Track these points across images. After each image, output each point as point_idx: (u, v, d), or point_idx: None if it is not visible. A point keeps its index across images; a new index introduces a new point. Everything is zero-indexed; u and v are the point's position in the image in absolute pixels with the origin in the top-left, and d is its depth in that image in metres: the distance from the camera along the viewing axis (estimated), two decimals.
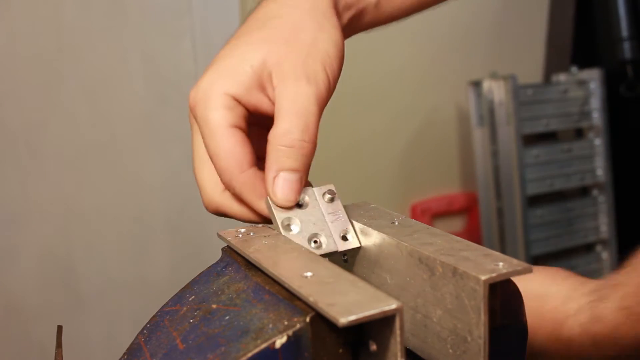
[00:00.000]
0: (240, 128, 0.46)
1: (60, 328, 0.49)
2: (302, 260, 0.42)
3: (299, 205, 0.46)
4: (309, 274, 0.39)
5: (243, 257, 0.45)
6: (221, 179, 0.47)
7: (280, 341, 0.35)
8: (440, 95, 1.73)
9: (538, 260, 1.63)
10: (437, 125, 1.74)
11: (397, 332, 0.34)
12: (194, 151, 0.50)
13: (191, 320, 0.41)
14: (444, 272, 0.38)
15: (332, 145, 1.56)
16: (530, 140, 1.64)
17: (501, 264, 0.37)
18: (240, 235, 0.48)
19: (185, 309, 0.43)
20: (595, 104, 1.67)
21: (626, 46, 1.64)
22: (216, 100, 0.45)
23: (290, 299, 0.38)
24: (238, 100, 0.46)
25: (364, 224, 0.47)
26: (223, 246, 0.49)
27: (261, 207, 0.46)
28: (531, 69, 1.80)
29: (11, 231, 1.28)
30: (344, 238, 0.45)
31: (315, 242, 0.45)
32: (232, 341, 0.37)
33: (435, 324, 0.40)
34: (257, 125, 0.49)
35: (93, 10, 1.31)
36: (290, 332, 0.36)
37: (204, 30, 1.40)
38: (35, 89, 1.28)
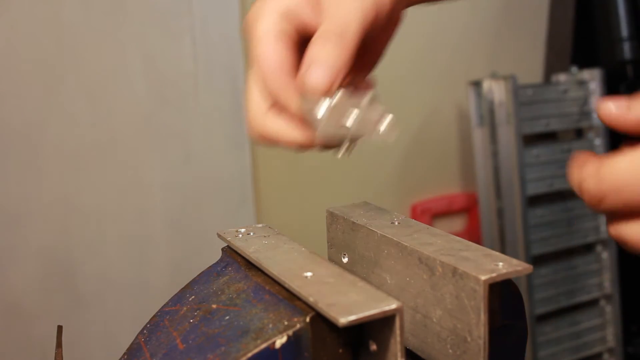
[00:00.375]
0: (288, 37, 0.46)
1: (60, 328, 0.49)
2: (302, 260, 0.42)
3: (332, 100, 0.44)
4: (309, 274, 0.39)
5: (243, 257, 0.45)
6: (264, 85, 0.46)
7: (280, 341, 0.35)
8: (440, 95, 1.73)
9: (538, 260, 1.63)
10: (437, 125, 1.74)
11: (397, 332, 0.34)
12: (247, 79, 0.49)
13: (191, 320, 0.41)
14: (444, 272, 0.38)
15: None
16: (530, 140, 1.64)
17: (501, 264, 0.37)
18: (240, 235, 0.48)
19: (185, 309, 0.43)
20: (595, 104, 1.68)
21: (626, 46, 1.64)
22: (267, 15, 0.45)
23: (290, 299, 0.38)
24: (289, 17, 0.46)
25: (364, 224, 0.47)
26: (223, 246, 0.49)
27: (298, 107, 0.45)
28: (531, 69, 1.80)
29: (11, 231, 1.28)
30: (378, 124, 0.44)
31: (343, 124, 0.43)
32: (232, 341, 0.37)
33: (435, 324, 0.40)
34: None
35: (93, 10, 1.30)
36: (290, 332, 0.36)
37: (204, 30, 1.40)
38: (35, 89, 1.28)
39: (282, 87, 0.45)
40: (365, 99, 0.44)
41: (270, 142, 0.47)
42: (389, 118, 0.44)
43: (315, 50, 0.44)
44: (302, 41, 0.47)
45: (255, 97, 0.47)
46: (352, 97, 0.44)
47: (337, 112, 0.43)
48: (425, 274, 0.40)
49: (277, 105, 0.46)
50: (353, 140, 0.44)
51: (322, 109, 0.43)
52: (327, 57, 0.43)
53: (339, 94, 0.43)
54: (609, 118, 0.38)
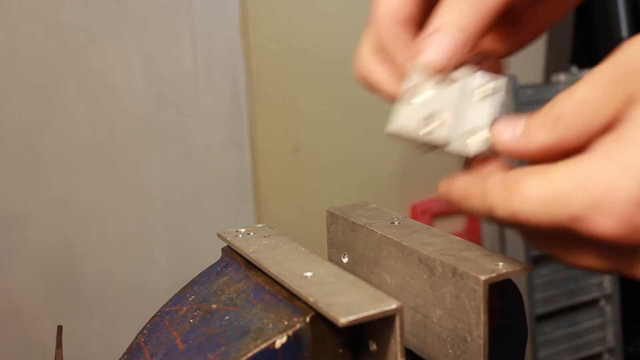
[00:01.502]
0: None
1: (60, 328, 0.49)
2: (302, 260, 0.42)
3: (445, 86, 0.37)
4: (309, 274, 0.39)
5: (243, 257, 0.45)
6: (374, 19, 0.40)
7: (280, 341, 0.35)
8: None
9: (538, 260, 1.63)
10: None
11: (397, 332, 0.34)
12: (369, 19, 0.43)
13: (191, 320, 0.41)
14: (444, 272, 0.38)
15: (332, 145, 1.56)
16: None
17: (501, 264, 0.37)
18: (240, 235, 0.48)
19: (185, 309, 0.43)
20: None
21: None
22: None
23: (290, 299, 0.38)
24: None
25: (364, 224, 0.47)
26: (223, 246, 0.49)
27: (404, 66, 0.39)
28: (531, 69, 1.80)
29: (11, 231, 1.28)
30: (470, 134, 0.36)
31: (427, 125, 0.36)
32: (232, 341, 0.37)
33: (435, 324, 0.40)
34: None
35: (93, 10, 1.31)
36: (290, 332, 0.36)
37: (204, 30, 1.40)
38: (35, 89, 1.28)
39: (392, 37, 0.40)
40: (479, 89, 0.37)
41: (371, 87, 0.42)
42: (484, 131, 0.36)
43: (443, 11, 0.37)
44: None
45: (369, 38, 0.42)
46: (469, 81, 0.37)
47: (433, 104, 0.37)
48: (425, 274, 0.40)
49: (385, 53, 0.41)
50: (432, 146, 0.37)
51: (421, 96, 0.37)
52: (461, 23, 0.36)
53: (458, 73, 0.37)
54: (504, 147, 0.35)
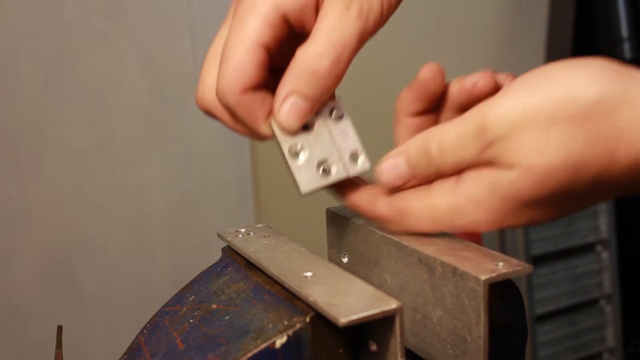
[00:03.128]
0: (268, 50, 0.42)
1: (60, 328, 0.49)
2: (302, 260, 0.42)
3: (305, 127, 0.43)
4: (309, 274, 0.39)
5: (243, 257, 0.45)
6: (218, 87, 0.43)
7: (280, 341, 0.35)
8: None
9: (538, 260, 1.63)
10: None
11: (397, 332, 0.34)
12: (214, 42, 0.47)
13: (191, 320, 0.41)
14: (444, 272, 0.38)
15: None
16: None
17: (501, 264, 0.37)
18: (240, 235, 0.48)
19: (185, 309, 0.43)
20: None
21: (626, 46, 1.64)
22: (264, 9, 0.41)
23: (290, 299, 0.38)
24: (286, 18, 0.42)
25: (364, 223, 0.47)
26: (223, 246, 0.49)
27: (259, 128, 0.43)
28: (531, 69, 1.80)
29: (11, 231, 1.28)
30: (354, 159, 0.44)
31: (324, 170, 0.43)
32: (232, 341, 0.37)
33: (435, 324, 0.40)
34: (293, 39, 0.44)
35: (93, 11, 1.31)
36: (290, 332, 0.36)
37: (204, 30, 1.40)
38: (35, 89, 1.28)
39: (236, 104, 0.42)
40: (335, 124, 0.44)
41: (216, 119, 0.46)
42: (361, 153, 0.45)
43: (300, 82, 0.41)
44: (290, 33, 0.43)
45: (214, 72, 0.45)
46: (323, 119, 0.43)
47: (315, 152, 0.43)
48: (425, 274, 0.40)
49: (234, 116, 0.44)
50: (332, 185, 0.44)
51: (300, 146, 0.43)
52: (310, 94, 0.41)
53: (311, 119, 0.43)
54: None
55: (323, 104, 0.43)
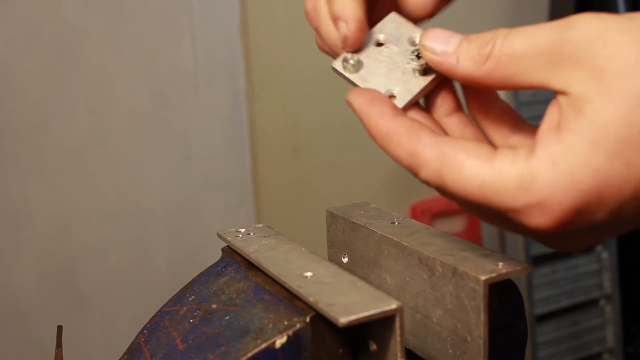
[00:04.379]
0: None
1: (60, 328, 0.49)
2: (302, 260, 0.42)
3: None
4: (309, 274, 0.39)
5: (243, 257, 0.45)
6: None
7: (280, 341, 0.35)
8: None
9: (538, 260, 1.63)
10: None
11: (397, 332, 0.34)
12: None
13: (191, 320, 0.41)
14: (443, 272, 0.38)
15: (332, 145, 1.56)
16: None
17: (501, 264, 0.37)
18: (240, 235, 0.48)
19: (185, 309, 0.43)
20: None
21: None
22: None
23: (290, 299, 0.38)
24: None
25: (364, 224, 0.47)
26: (223, 246, 0.49)
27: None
28: None
29: (11, 231, 1.28)
30: (391, 96, 0.40)
31: (346, 63, 0.41)
32: (232, 341, 0.37)
33: (435, 324, 0.40)
34: None
35: (93, 10, 1.31)
36: (290, 332, 0.36)
37: (204, 30, 1.40)
38: (35, 89, 1.28)
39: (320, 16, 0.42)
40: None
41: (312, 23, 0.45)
42: (412, 89, 0.40)
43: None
44: None
45: None
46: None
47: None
48: (425, 274, 0.40)
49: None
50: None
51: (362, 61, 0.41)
52: (346, 12, 0.40)
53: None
54: (432, 58, 0.37)
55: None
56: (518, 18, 1.81)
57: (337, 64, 0.41)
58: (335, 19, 0.41)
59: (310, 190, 1.56)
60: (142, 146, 1.37)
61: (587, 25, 0.31)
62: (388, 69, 0.40)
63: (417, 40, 0.41)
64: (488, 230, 1.66)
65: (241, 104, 1.45)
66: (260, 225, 0.50)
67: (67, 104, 1.30)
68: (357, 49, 0.41)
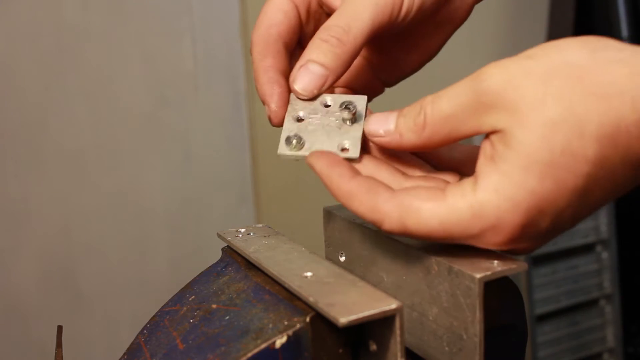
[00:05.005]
0: (296, 5, 0.47)
1: (60, 328, 0.49)
2: (302, 260, 0.42)
3: (322, 105, 0.44)
4: (309, 274, 0.39)
5: (243, 257, 0.46)
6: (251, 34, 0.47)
7: (280, 341, 0.35)
8: None
9: (538, 260, 1.63)
10: None
11: (397, 332, 0.34)
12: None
13: (191, 320, 0.41)
14: (439, 271, 0.39)
15: None
16: None
17: (496, 262, 0.38)
18: (240, 235, 0.48)
19: (185, 309, 0.43)
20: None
21: None
22: None
23: (290, 299, 0.38)
24: None
25: (361, 222, 0.47)
26: (223, 246, 0.49)
27: (256, 64, 0.46)
28: None
29: (11, 231, 1.28)
30: (344, 149, 0.43)
31: (291, 141, 0.43)
32: (232, 341, 0.37)
33: (431, 322, 0.40)
34: None
35: (93, 10, 1.31)
36: (290, 332, 0.36)
37: (204, 30, 1.40)
38: (35, 89, 1.28)
39: (259, 45, 0.46)
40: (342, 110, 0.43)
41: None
42: (356, 136, 0.43)
43: (313, 50, 0.43)
44: (316, 11, 0.48)
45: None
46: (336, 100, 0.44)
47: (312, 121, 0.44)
48: (421, 272, 0.40)
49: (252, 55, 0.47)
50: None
51: (299, 114, 0.44)
52: (322, 60, 0.43)
53: (328, 101, 0.44)
54: (379, 140, 0.41)
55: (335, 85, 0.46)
56: (518, 18, 1.81)
57: (283, 149, 0.43)
58: (262, 99, 0.45)
59: (310, 190, 1.55)
60: (142, 146, 1.38)
61: (495, 77, 0.36)
62: (325, 131, 0.43)
63: (328, 100, 0.44)
64: None
65: (241, 104, 1.45)
66: (260, 225, 0.50)
67: (67, 104, 1.31)
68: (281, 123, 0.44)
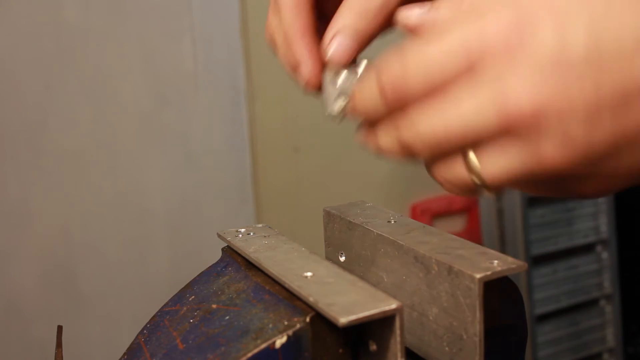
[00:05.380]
0: None
1: (60, 328, 0.49)
2: (302, 260, 0.42)
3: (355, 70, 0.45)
4: (309, 274, 0.39)
5: (243, 257, 0.46)
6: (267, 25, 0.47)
7: (280, 341, 0.36)
8: None
9: (538, 260, 1.63)
10: None
11: (397, 332, 0.34)
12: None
13: (191, 320, 0.41)
14: (439, 271, 0.39)
15: (332, 144, 1.56)
16: None
17: (496, 262, 0.38)
18: (240, 235, 0.48)
19: (185, 309, 0.43)
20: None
21: None
22: None
23: (290, 299, 0.38)
24: None
25: (361, 222, 0.47)
26: (223, 246, 0.49)
27: (297, 42, 0.46)
28: None
29: (11, 231, 1.28)
30: None
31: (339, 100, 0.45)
32: (232, 341, 0.37)
33: (431, 322, 0.40)
34: None
35: (93, 10, 1.31)
36: (290, 332, 0.36)
37: (204, 30, 1.40)
38: (35, 88, 1.28)
39: (291, 22, 0.46)
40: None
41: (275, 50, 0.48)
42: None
43: (340, 15, 0.44)
44: None
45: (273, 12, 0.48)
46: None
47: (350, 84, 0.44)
48: (421, 272, 0.40)
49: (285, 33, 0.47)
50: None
51: (340, 80, 0.45)
52: (352, 27, 0.44)
53: (362, 65, 0.45)
54: (410, 26, 0.41)
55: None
56: None
57: (333, 109, 0.45)
58: (293, 67, 0.46)
59: (310, 190, 1.56)
60: (142, 146, 1.38)
61: None
62: None
63: (359, 64, 0.45)
64: (488, 230, 1.66)
65: (241, 104, 1.45)
66: (260, 225, 0.50)
67: (67, 104, 1.31)
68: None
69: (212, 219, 1.43)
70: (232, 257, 0.47)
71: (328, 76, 0.45)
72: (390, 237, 0.43)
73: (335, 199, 0.55)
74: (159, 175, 1.39)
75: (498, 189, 0.36)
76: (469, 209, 1.77)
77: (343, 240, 0.49)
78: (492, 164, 0.35)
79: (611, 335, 1.74)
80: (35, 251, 1.30)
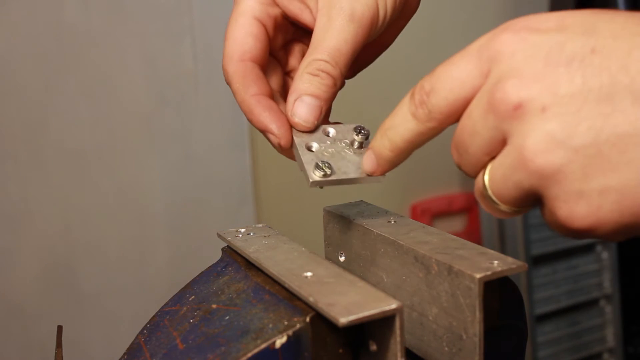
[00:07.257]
0: (263, 24, 0.47)
1: (60, 328, 0.49)
2: (302, 260, 0.42)
3: (325, 135, 0.46)
4: (309, 274, 0.39)
5: (243, 257, 0.46)
6: (222, 63, 0.48)
7: (280, 341, 0.36)
8: None
9: (538, 260, 1.63)
10: None
11: (397, 332, 0.34)
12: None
13: (191, 320, 0.41)
14: (439, 271, 0.39)
15: None
16: None
17: (496, 262, 0.38)
18: (240, 235, 0.48)
19: (185, 309, 0.43)
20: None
21: None
22: None
23: (290, 299, 0.38)
24: (276, 2, 0.48)
25: (360, 222, 0.47)
26: (223, 246, 0.49)
27: (242, 96, 0.46)
28: None
29: (11, 231, 1.28)
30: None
31: (321, 167, 0.44)
32: (232, 341, 0.37)
33: (431, 322, 0.40)
34: (300, 43, 0.51)
35: (93, 10, 1.31)
36: (290, 332, 0.36)
37: (204, 30, 1.40)
38: (35, 88, 1.28)
39: (232, 73, 0.46)
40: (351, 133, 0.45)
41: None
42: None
43: (304, 84, 0.45)
44: (296, 36, 0.49)
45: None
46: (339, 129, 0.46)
47: (322, 152, 0.45)
48: (420, 272, 0.40)
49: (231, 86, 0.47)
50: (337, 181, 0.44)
51: (313, 146, 0.45)
52: (315, 92, 0.45)
53: (330, 131, 0.45)
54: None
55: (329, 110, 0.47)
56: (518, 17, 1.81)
57: (315, 177, 0.44)
58: (262, 131, 0.46)
59: (310, 191, 1.55)
60: (142, 146, 1.38)
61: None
62: (341, 157, 0.45)
63: (329, 129, 0.46)
64: (488, 230, 1.66)
65: None
66: (260, 225, 0.50)
67: (68, 103, 1.31)
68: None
69: (212, 219, 1.43)
70: (232, 257, 0.47)
71: (298, 141, 0.45)
72: (390, 237, 0.43)
73: (335, 199, 0.55)
74: (159, 174, 1.39)
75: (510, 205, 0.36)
76: (469, 209, 1.77)
77: (343, 240, 0.49)
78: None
79: (611, 335, 1.74)
80: (36, 251, 1.30)
